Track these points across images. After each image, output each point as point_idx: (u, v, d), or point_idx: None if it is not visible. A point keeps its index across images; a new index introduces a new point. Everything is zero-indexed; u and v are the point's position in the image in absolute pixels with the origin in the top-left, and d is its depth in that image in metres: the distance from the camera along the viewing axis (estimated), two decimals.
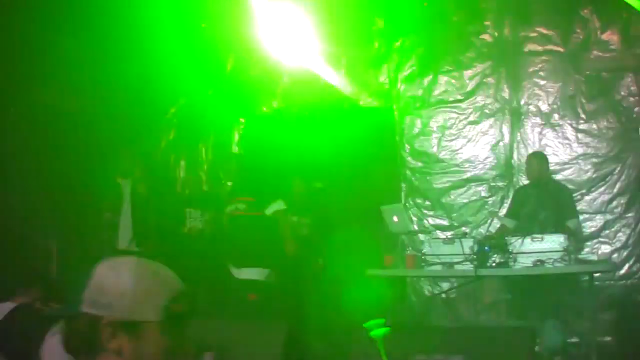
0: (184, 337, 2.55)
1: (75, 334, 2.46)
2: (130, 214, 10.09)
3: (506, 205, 9.98)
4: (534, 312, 9.06)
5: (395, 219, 8.85)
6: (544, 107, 10.39)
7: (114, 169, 10.32)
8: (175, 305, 2.51)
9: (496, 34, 10.77)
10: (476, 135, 10.66)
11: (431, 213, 10.80)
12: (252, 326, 6.16)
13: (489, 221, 9.79)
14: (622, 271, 9.80)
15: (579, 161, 10.16)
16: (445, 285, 10.35)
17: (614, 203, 9.99)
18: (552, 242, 7.81)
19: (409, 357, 4.86)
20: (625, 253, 9.85)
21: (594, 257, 8.94)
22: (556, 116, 10.33)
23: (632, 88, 10.06)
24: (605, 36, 10.23)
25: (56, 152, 10.39)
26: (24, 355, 4.33)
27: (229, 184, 11.91)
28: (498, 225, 9.44)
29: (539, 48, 10.56)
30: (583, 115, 10.20)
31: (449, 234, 9.93)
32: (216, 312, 9.18)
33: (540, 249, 7.83)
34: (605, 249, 9.88)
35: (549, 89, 10.44)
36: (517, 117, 10.51)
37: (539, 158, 9.28)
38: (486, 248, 8.01)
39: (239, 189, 10.61)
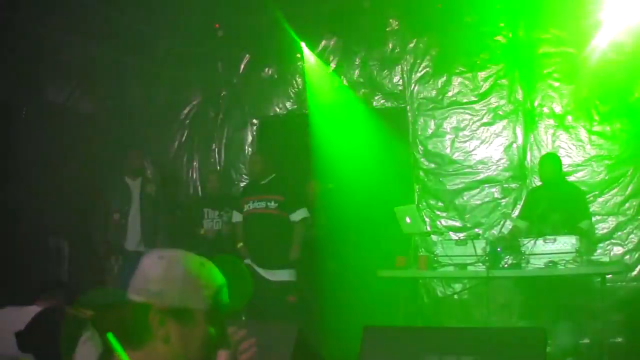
0: (225, 329, 2.64)
1: (123, 322, 2.53)
2: (139, 215, 10.13)
3: (519, 207, 9.99)
4: (546, 313, 9.08)
5: (408, 220, 8.87)
6: (558, 109, 10.39)
7: (123, 169, 10.35)
8: (220, 296, 2.63)
9: (510, 35, 10.77)
10: (490, 137, 10.66)
11: (444, 214, 10.81)
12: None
13: (502, 222, 9.82)
14: (634, 272, 9.80)
15: (592, 163, 10.16)
16: (458, 287, 10.36)
17: (627, 205, 9.99)
18: (565, 244, 7.82)
19: (420, 357, 4.89)
20: (637, 255, 9.86)
21: (606, 259, 8.93)
22: (570, 118, 10.33)
23: None
24: (619, 38, 10.23)
25: (67, 152, 10.45)
26: (53, 357, 4.39)
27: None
28: (510, 227, 9.44)
29: (553, 50, 10.55)
30: (596, 117, 10.21)
31: (461, 235, 9.94)
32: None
33: (552, 250, 7.84)
34: (618, 250, 9.88)
35: (563, 91, 10.44)
36: (530, 119, 10.51)
37: (552, 159, 9.29)
38: (498, 249, 8.03)
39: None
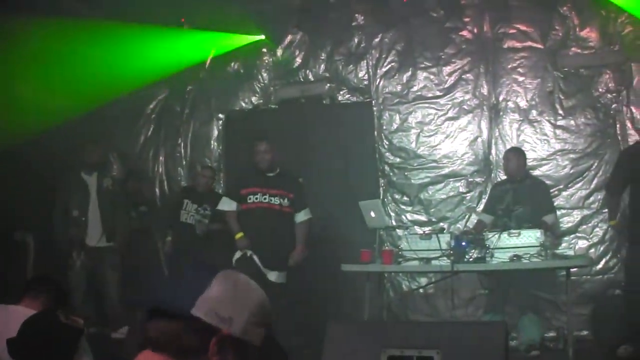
0: None
1: (182, 338, 2.48)
2: (98, 210, 10.04)
3: (484, 201, 10.01)
4: (512, 306, 9.12)
5: (372, 214, 8.86)
6: (523, 104, 10.45)
7: (80, 164, 10.24)
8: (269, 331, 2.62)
9: (475, 30, 10.82)
10: (455, 131, 10.70)
11: (409, 208, 10.84)
12: None
13: (467, 217, 9.86)
14: (599, 266, 9.87)
15: (557, 157, 10.22)
16: (423, 281, 10.38)
17: (591, 199, 10.07)
18: (529, 238, 7.84)
19: (382, 351, 4.90)
20: (602, 248, 9.92)
21: (571, 252, 8.99)
22: (534, 112, 10.39)
23: (610, 85, 10.14)
24: (584, 33, 10.33)
25: (32, 148, 10.37)
26: None
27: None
28: (475, 221, 9.48)
29: (518, 45, 10.63)
30: (561, 112, 10.27)
31: (427, 229, 9.93)
32: None
33: (517, 244, 7.86)
34: (583, 244, 9.96)
35: (528, 85, 10.51)
36: (495, 113, 10.56)
37: (516, 154, 9.32)
38: (463, 243, 8.03)
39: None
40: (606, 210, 9.79)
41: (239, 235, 9.07)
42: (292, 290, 9.34)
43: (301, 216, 9.30)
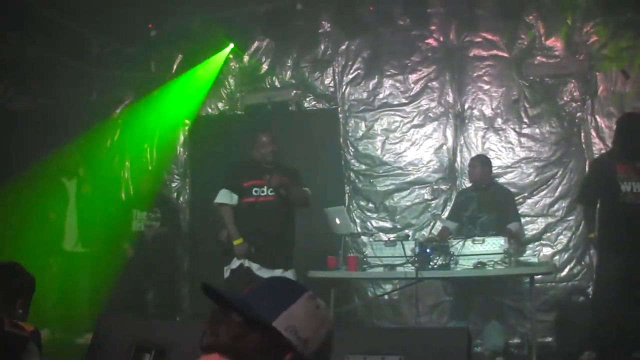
0: None
1: (258, 349, 2.43)
2: (75, 215, 10.01)
3: (449, 208, 10.07)
4: (476, 313, 9.15)
5: (337, 220, 8.89)
6: (488, 112, 10.50)
7: (59, 169, 10.23)
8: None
9: (441, 38, 10.86)
10: (420, 139, 10.74)
11: (375, 215, 10.87)
12: None
13: (432, 224, 9.86)
14: (563, 273, 9.93)
15: (522, 165, 10.28)
16: (388, 287, 10.40)
17: (556, 206, 10.12)
18: (493, 245, 7.89)
19: (345, 357, 4.89)
20: (566, 255, 9.98)
21: (535, 260, 9.02)
22: (499, 120, 10.44)
23: (574, 93, 10.21)
24: (549, 42, 10.38)
25: (1, 150, 10.33)
26: None
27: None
28: (440, 228, 9.50)
29: (484, 53, 10.68)
30: (526, 120, 10.33)
31: (392, 236, 9.95)
32: None
33: (481, 251, 7.91)
34: (547, 251, 10.00)
35: (493, 94, 10.57)
36: (460, 121, 10.61)
37: (482, 161, 9.36)
38: (427, 250, 8.06)
39: None
40: (570, 218, 9.92)
41: (239, 241, 8.30)
42: None
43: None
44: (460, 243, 8.01)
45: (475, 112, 10.58)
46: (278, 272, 8.16)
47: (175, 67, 12.23)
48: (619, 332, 7.75)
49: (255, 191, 8.39)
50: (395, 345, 5.03)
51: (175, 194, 11.90)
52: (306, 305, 2.48)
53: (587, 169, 9.52)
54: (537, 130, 10.30)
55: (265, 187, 8.36)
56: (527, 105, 10.36)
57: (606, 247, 8.16)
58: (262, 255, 8.34)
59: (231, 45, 11.52)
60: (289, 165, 8.87)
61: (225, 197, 8.43)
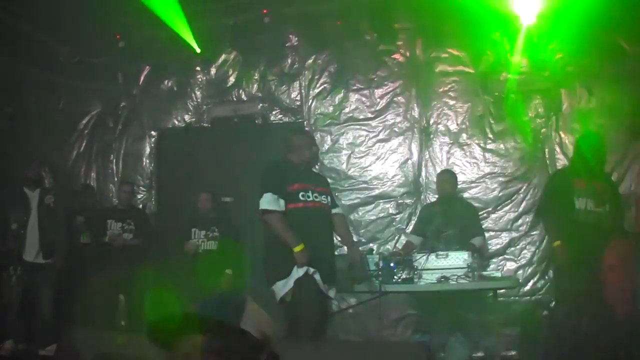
0: None
1: (239, 353, 2.60)
2: (37, 226, 9.94)
3: (413, 222, 10.07)
4: (440, 327, 9.18)
5: None
6: (453, 127, 10.57)
7: (22, 179, 10.16)
8: None
9: (408, 54, 10.95)
10: (385, 153, 10.79)
11: None
12: None
13: (397, 238, 9.91)
14: (527, 287, 10.00)
15: (486, 180, 10.35)
16: (353, 300, 10.40)
17: (520, 221, 10.20)
18: (457, 259, 7.92)
19: None
20: (529, 270, 10.05)
21: (499, 274, 9.06)
22: (464, 136, 10.51)
23: (539, 110, 10.31)
24: (515, 59, 10.43)
25: None
26: None
27: None
28: (404, 242, 9.53)
29: (450, 69, 10.78)
30: (491, 136, 10.41)
31: None
32: None
33: (444, 265, 7.94)
34: (511, 265, 10.07)
35: (458, 109, 10.65)
36: (426, 136, 10.67)
37: (448, 175, 9.42)
38: (392, 264, 8.08)
39: None
40: (534, 232, 10.01)
41: (300, 247, 6.86)
42: None
43: (338, 209, 7.75)
44: (424, 257, 8.03)
45: (441, 127, 10.64)
46: (332, 291, 7.24)
47: (142, 78, 12.20)
48: (577, 345, 7.81)
49: (302, 195, 7.10)
50: (355, 359, 5.05)
51: (141, 205, 11.83)
52: (256, 308, 2.94)
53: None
54: (502, 146, 10.38)
55: (310, 191, 7.15)
56: (492, 121, 10.43)
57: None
58: (318, 269, 6.98)
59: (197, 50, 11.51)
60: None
61: (270, 203, 7.01)
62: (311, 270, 6.87)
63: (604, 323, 7.93)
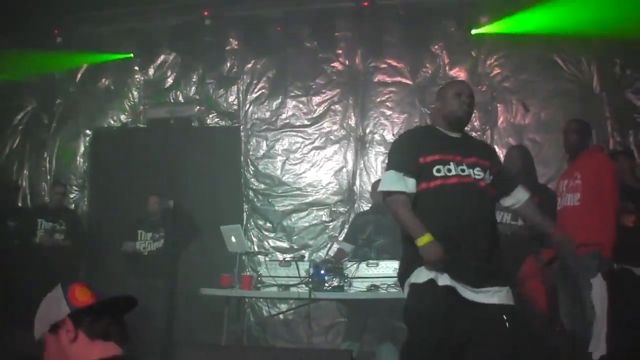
0: None
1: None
2: None
3: (346, 230, 10.08)
4: (370, 335, 9.21)
5: (233, 239, 8.88)
6: (389, 137, 10.60)
7: None
8: None
9: (347, 62, 10.99)
10: (320, 161, 10.83)
11: (272, 235, 10.89)
12: None
13: (329, 245, 9.93)
14: None
15: None
16: (284, 307, 10.41)
17: None
18: (387, 268, 7.96)
19: None
20: None
21: None
22: None
23: (475, 123, 10.37)
24: (453, 72, 10.60)
25: None
26: None
27: None
28: (336, 249, 9.55)
29: (388, 79, 10.85)
30: None
31: (288, 256, 9.98)
32: None
33: (375, 274, 7.97)
34: None
35: (395, 119, 10.71)
36: (361, 145, 10.71)
37: None
38: (322, 272, 8.09)
39: None
40: None
41: (426, 238, 4.99)
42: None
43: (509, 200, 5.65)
44: (355, 265, 8.06)
45: (377, 136, 10.70)
46: (495, 295, 5.04)
47: (79, 76, 12.08)
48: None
49: (439, 170, 5.16)
50: None
51: (73, 205, 11.71)
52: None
53: None
54: None
55: (452, 163, 5.19)
56: None
57: None
58: (465, 268, 5.02)
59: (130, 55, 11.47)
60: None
61: (393, 182, 5.26)
62: (442, 277, 4.97)
63: (522, 337, 8.04)
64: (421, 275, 5.01)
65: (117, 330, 2.88)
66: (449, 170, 5.12)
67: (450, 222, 5.04)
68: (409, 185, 5.17)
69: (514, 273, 7.81)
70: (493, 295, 4.99)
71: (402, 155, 5.34)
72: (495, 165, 5.42)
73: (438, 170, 5.12)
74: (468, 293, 4.97)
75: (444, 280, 4.91)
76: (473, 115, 9.59)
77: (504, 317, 4.94)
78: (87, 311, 2.83)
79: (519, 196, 5.57)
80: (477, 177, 5.18)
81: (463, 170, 5.16)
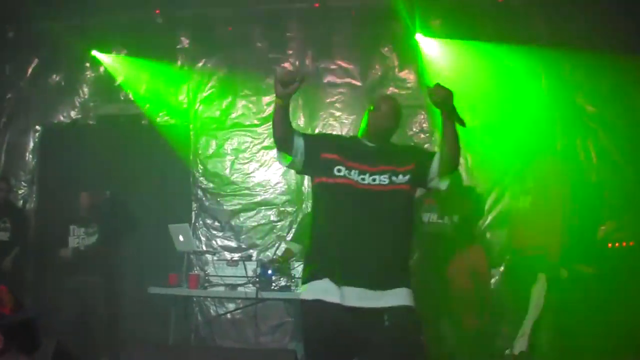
0: None
1: None
2: None
3: (294, 230, 10.21)
4: None
5: (180, 237, 8.92)
6: None
7: None
8: None
9: (297, 63, 10.99)
10: (269, 160, 10.80)
11: (220, 234, 10.91)
12: None
13: (277, 245, 9.97)
14: None
15: None
16: (231, 306, 10.44)
17: None
18: None
19: None
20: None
21: None
22: None
23: (424, 125, 10.48)
24: (402, 74, 10.68)
25: None
26: None
27: None
28: (284, 249, 9.59)
29: (338, 80, 10.91)
30: None
31: (236, 255, 10.03)
32: None
33: None
34: None
35: (344, 120, 10.77)
36: None
37: None
38: (269, 271, 8.16)
39: None
40: None
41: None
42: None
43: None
44: (302, 265, 8.11)
45: None
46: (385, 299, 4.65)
47: (30, 71, 12.01)
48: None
49: (339, 170, 4.92)
50: None
51: (22, 201, 11.65)
52: None
53: None
54: None
55: (356, 170, 4.93)
56: None
57: None
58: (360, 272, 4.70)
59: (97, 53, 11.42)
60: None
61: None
62: (330, 294, 4.66)
63: (450, 334, 8.18)
64: (309, 292, 4.77)
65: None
66: (349, 174, 4.87)
67: (345, 222, 4.81)
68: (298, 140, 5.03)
69: (442, 272, 7.96)
70: (388, 298, 4.65)
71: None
72: (412, 162, 4.98)
73: (339, 170, 4.89)
74: (361, 301, 4.63)
75: (332, 297, 4.62)
76: (422, 116, 9.81)
77: (402, 318, 4.63)
78: None
79: (435, 163, 4.93)
80: (382, 182, 4.88)
81: (364, 179, 4.88)
